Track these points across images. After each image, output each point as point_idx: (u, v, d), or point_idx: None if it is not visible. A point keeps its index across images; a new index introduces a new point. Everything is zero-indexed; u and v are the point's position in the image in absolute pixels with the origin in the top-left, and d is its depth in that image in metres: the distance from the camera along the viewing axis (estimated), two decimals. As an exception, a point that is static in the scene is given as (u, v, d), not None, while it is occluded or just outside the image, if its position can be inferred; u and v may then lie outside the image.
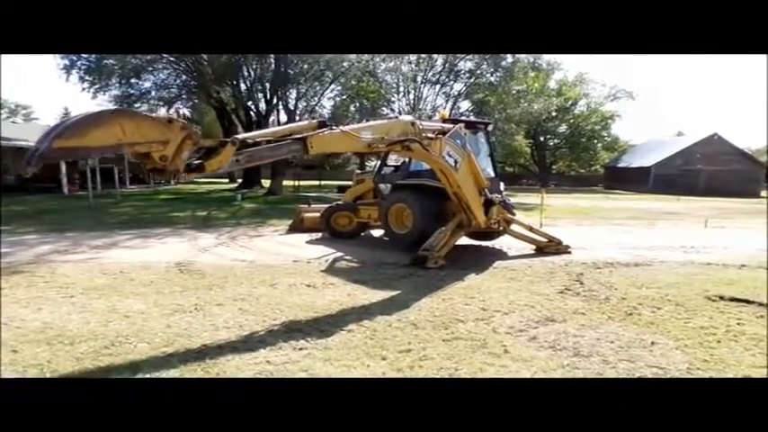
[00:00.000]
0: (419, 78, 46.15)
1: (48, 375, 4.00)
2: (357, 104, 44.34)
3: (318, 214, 12.49)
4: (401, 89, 47.12)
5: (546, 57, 51.96)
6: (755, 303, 6.34)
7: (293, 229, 12.85)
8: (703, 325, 5.49)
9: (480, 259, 9.35)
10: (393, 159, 12.07)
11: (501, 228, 10.13)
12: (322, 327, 5.23)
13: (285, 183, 32.00)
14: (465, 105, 47.81)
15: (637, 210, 22.25)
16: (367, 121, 10.12)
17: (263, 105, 31.74)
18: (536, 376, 4.11)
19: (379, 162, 12.26)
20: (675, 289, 7.09)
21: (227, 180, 42.13)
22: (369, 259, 9.17)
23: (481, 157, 11.02)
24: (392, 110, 47.83)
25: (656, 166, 44.77)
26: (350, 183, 13.80)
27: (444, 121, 10.21)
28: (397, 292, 6.77)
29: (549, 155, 58.31)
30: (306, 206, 13.56)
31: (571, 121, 56.39)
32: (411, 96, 47.22)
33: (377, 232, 12.21)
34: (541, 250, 10.15)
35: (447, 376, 4.07)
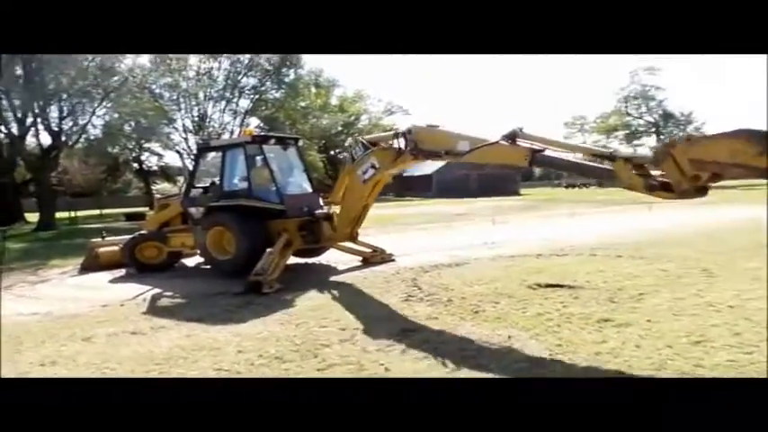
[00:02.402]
0: (201, 95, 44.22)
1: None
2: (133, 123, 40.50)
3: (117, 248, 10.94)
4: (182, 106, 44.61)
5: (325, 74, 54.27)
6: (566, 286, 7.22)
7: (87, 269, 11.01)
8: (539, 312, 6.04)
9: (313, 277, 9.10)
10: (202, 180, 11.18)
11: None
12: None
13: (57, 215, 27.51)
14: (255, 122, 47.25)
15: (430, 214, 24.21)
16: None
17: (14, 127, 26.80)
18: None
19: (185, 184, 11.18)
20: (500, 282, 7.73)
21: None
22: (193, 292, 8.25)
23: (296, 172, 10.87)
24: (175, 128, 44.98)
25: (436, 174, 49.56)
26: (141, 209, 12.37)
27: (253, 137, 9.80)
28: (244, 324, 6.16)
29: (342, 168, 60.59)
30: (99, 240, 11.75)
31: (357, 135, 59.50)
32: (195, 113, 45.02)
33: (190, 261, 11.16)
34: (367, 261, 10.29)
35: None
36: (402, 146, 7.89)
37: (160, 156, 48.61)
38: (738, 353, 4.38)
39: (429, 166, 51.85)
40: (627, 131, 65.98)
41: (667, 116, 65.23)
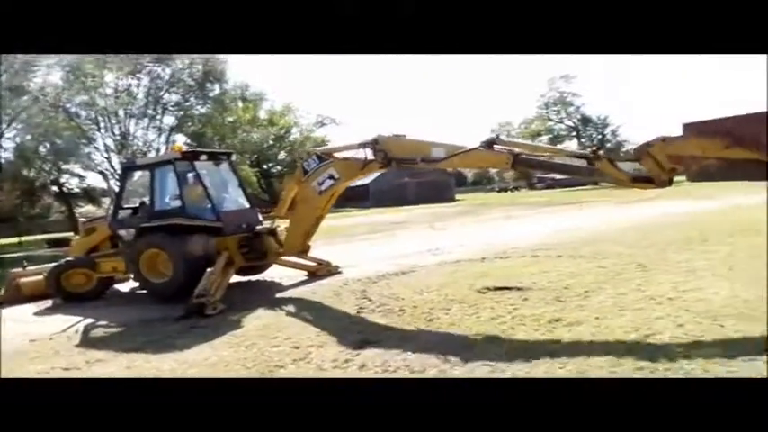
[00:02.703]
0: (122, 112, 42.42)
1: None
2: (48, 145, 38.24)
3: (41, 277, 10.14)
4: (102, 125, 42.61)
5: (252, 88, 53.50)
6: (514, 288, 7.33)
7: (7, 302, 10.10)
8: (492, 316, 6.08)
9: (259, 295, 8.82)
10: (130, 201, 10.63)
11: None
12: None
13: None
14: (181, 139, 45.84)
15: (371, 223, 24.18)
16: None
17: None
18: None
19: (112, 206, 10.56)
20: (449, 288, 7.74)
21: None
22: (130, 319, 7.75)
23: (231, 188, 10.53)
24: (96, 148, 42.94)
25: (373, 183, 49.64)
26: (65, 235, 11.59)
27: (182, 154, 9.41)
28: (189, 350, 5.81)
29: (276, 181, 59.65)
30: (20, 270, 10.85)
31: (288, 148, 58.80)
32: (116, 132, 43.13)
33: (123, 286, 10.54)
34: (313, 275, 10.08)
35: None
36: (370, 156, 7.85)
37: (81, 177, 45.95)
38: (685, 343, 4.55)
39: (365, 177, 52.09)
40: (550, 136, 68.96)
41: (586, 120, 68.86)
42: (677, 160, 5.19)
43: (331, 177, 8.43)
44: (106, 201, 49.98)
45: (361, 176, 8.59)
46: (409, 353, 5.03)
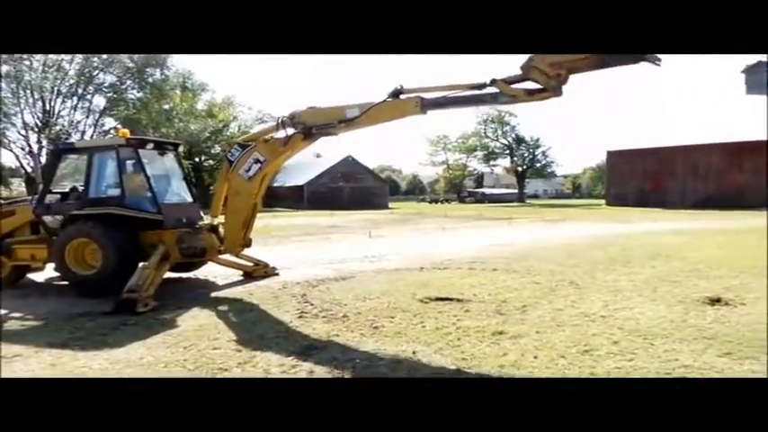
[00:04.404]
0: (48, 86, 39.69)
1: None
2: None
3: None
4: (23, 100, 39.67)
5: (195, 77, 51.81)
6: (455, 299, 7.46)
7: None
8: (437, 326, 6.15)
9: (192, 293, 8.47)
10: (60, 186, 9.92)
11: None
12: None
13: None
14: (111, 123, 43.68)
15: (305, 226, 23.92)
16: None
17: None
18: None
19: (40, 189, 9.81)
20: (391, 297, 7.77)
21: None
22: (50, 312, 7.23)
23: (175, 180, 10.09)
24: (13, 124, 39.92)
25: (308, 185, 49.28)
26: None
27: (128, 140, 8.92)
28: (121, 348, 5.48)
29: (207, 176, 57.71)
30: None
31: (224, 142, 57.13)
32: (39, 108, 40.34)
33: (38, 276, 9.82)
34: (250, 275, 9.82)
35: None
36: (289, 132, 7.98)
37: (-11, 154, 42.46)
38: (622, 360, 4.80)
39: (300, 178, 51.54)
40: (485, 152, 71.18)
41: (519, 140, 71.59)
42: (558, 66, 5.48)
43: (257, 161, 8.47)
44: (15, 181, 46.25)
45: (287, 154, 8.61)
46: (357, 360, 5.01)
